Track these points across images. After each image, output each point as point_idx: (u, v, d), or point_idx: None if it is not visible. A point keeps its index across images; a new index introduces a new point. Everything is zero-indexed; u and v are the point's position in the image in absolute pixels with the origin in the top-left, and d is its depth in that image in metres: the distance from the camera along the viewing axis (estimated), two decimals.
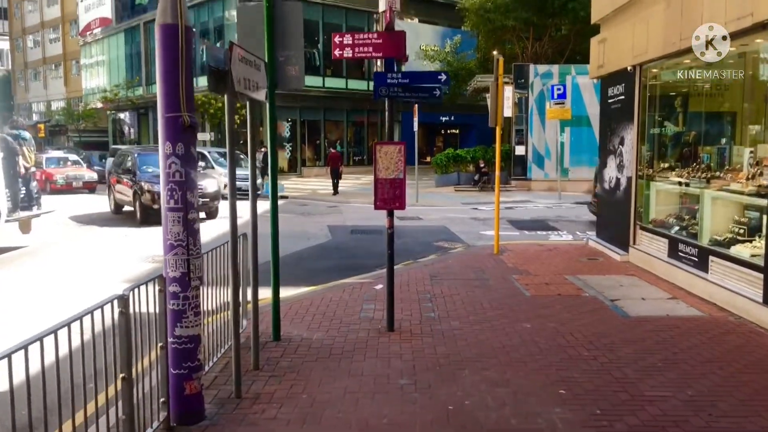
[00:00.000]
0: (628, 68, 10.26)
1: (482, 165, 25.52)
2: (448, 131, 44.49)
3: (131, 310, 3.75)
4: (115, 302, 3.66)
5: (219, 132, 35.51)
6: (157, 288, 4.14)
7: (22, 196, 12.99)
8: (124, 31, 41.47)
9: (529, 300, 8.04)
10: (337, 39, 6.27)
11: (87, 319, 3.47)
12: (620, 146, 11.00)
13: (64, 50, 51.68)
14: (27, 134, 13.63)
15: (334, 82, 34.21)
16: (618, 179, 11.11)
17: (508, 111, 26.37)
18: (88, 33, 45.90)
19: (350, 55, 6.27)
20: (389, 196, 6.33)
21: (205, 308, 5.02)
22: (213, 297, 5.44)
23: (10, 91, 62.38)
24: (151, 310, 4.15)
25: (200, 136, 30.85)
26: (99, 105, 40.85)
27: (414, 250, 12.20)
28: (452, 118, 40.71)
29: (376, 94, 6.35)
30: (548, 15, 27.82)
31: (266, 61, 5.78)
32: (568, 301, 7.92)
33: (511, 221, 16.21)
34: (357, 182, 29.62)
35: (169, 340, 4.18)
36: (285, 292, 8.50)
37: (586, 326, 6.74)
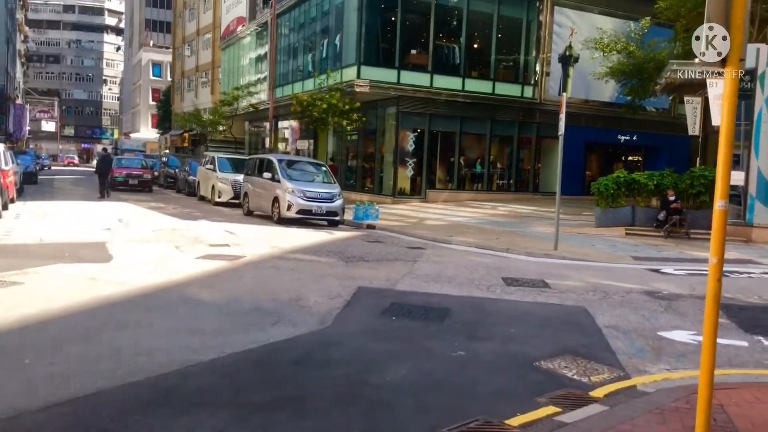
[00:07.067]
0: None
1: (672, 197, 16.84)
2: (628, 158, 34.79)
3: None
4: None
5: (338, 139, 29.73)
6: None
7: None
8: (255, 29, 37.34)
9: None
10: None
11: None
12: None
13: (213, 57, 49.24)
14: None
15: (478, 85, 26.79)
16: None
17: (716, 118, 17.69)
18: (228, 36, 42.71)
19: None
20: None
21: None
22: None
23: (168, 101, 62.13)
24: None
25: (299, 144, 25.05)
26: (225, 111, 36.90)
27: (476, 392, 4.81)
28: (634, 138, 31.44)
29: None
30: None
31: None
32: None
33: (727, 307, 8.08)
34: (487, 212, 22.05)
35: None
36: None
37: None
